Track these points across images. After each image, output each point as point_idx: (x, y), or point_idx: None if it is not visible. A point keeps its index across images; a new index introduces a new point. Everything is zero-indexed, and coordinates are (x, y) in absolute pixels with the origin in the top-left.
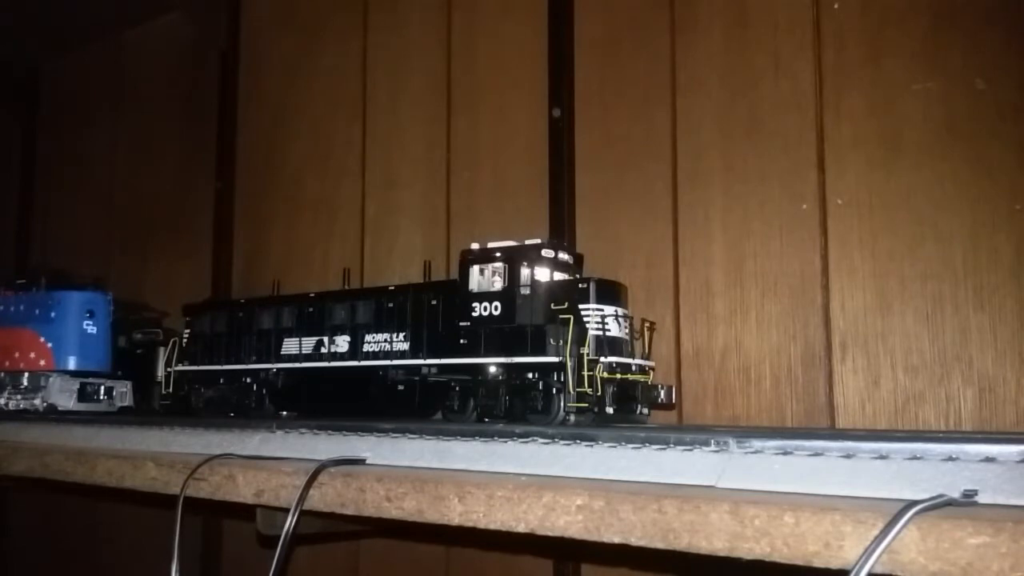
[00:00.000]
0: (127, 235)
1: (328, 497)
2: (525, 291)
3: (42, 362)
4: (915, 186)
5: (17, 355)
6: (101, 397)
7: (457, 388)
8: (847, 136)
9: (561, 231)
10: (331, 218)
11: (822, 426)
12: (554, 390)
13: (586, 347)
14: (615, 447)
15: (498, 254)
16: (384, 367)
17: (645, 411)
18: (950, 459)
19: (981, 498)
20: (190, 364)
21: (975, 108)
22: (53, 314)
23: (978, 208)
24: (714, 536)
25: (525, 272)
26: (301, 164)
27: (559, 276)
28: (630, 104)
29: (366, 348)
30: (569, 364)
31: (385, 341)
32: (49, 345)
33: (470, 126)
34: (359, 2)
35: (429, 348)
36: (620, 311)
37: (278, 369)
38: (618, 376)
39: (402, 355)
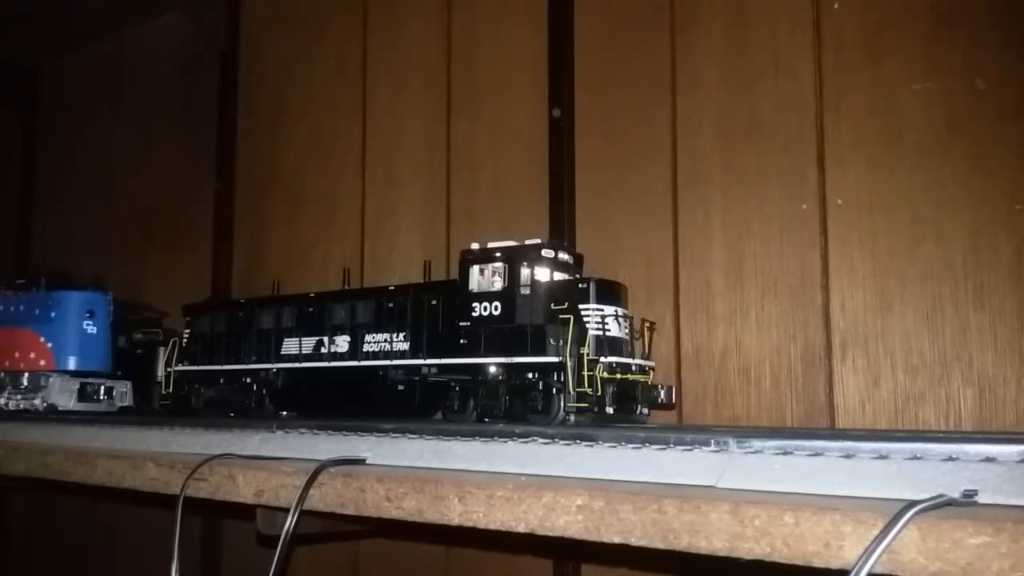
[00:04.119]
0: (127, 235)
1: (328, 497)
2: (525, 291)
3: (42, 362)
4: (915, 186)
5: (17, 355)
6: (101, 397)
7: (457, 388)
8: (847, 136)
9: (561, 231)
10: (331, 218)
11: (822, 426)
12: (554, 390)
13: (586, 347)
14: (615, 447)
15: (498, 254)
16: (384, 367)
17: (645, 411)
18: (950, 459)
19: (981, 498)
20: (190, 364)
21: (975, 108)
22: (53, 314)
23: (978, 208)
24: (714, 536)
25: (525, 272)
26: (301, 164)
27: (559, 276)
28: (630, 104)
29: (366, 348)
30: (569, 364)
31: (385, 341)
32: (49, 345)
33: (470, 126)
34: (359, 2)
35: (429, 348)
36: (620, 311)
37: (278, 369)
38: (618, 376)
39: (402, 355)
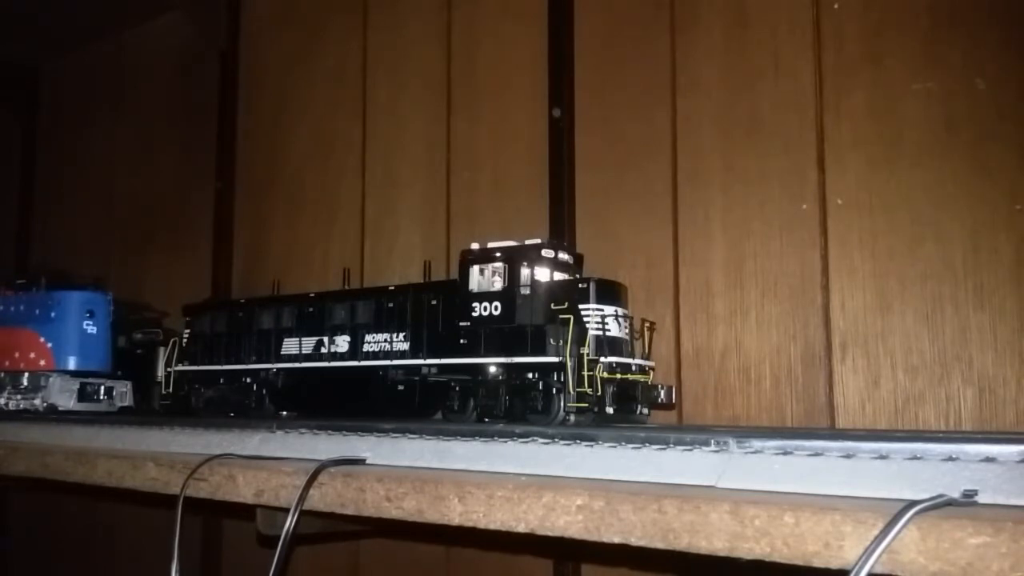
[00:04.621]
0: (127, 235)
1: (328, 497)
2: (525, 291)
3: (42, 362)
4: (915, 186)
5: (17, 355)
6: (101, 397)
7: (457, 388)
8: (847, 136)
9: (561, 231)
10: (331, 218)
11: (822, 426)
12: (554, 390)
13: (586, 347)
14: (615, 447)
15: (498, 254)
16: (384, 367)
17: (645, 411)
18: (950, 459)
19: (981, 498)
20: (190, 364)
21: (975, 108)
22: (53, 314)
23: (978, 208)
24: (714, 536)
25: (525, 272)
26: (301, 164)
27: (559, 276)
28: (630, 104)
29: (366, 348)
30: (569, 364)
31: (385, 341)
32: (49, 345)
33: (470, 126)
34: (359, 2)
35: (429, 348)
36: (620, 311)
37: (278, 369)
38: (618, 376)
39: (402, 355)
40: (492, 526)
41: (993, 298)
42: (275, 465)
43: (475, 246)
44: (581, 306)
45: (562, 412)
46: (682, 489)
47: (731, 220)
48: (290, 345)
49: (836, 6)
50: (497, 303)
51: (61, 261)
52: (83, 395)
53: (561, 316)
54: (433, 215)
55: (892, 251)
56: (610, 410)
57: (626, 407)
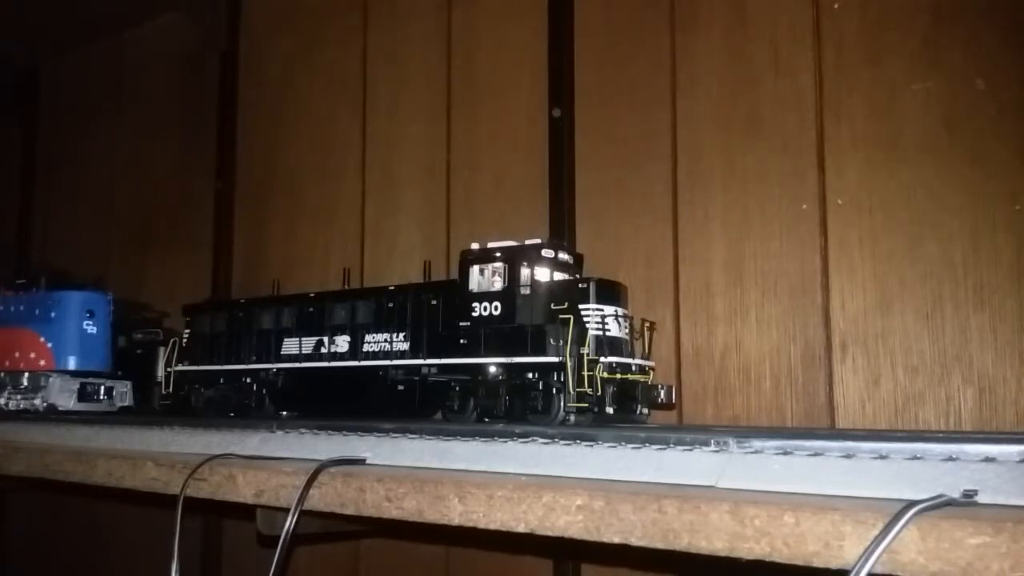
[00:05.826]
0: (127, 235)
1: (328, 497)
2: (525, 291)
3: (42, 362)
4: (915, 186)
5: (17, 355)
6: (101, 397)
7: (457, 388)
8: (847, 136)
9: (561, 231)
10: (331, 218)
11: (822, 426)
12: (554, 390)
13: (586, 347)
14: (615, 447)
15: (498, 254)
16: (384, 367)
17: (645, 411)
18: (950, 459)
19: (981, 498)
20: (190, 364)
21: (975, 108)
22: (53, 314)
23: (978, 208)
24: (714, 536)
25: (525, 272)
26: (301, 164)
27: (559, 276)
28: (630, 104)
29: (366, 348)
30: (569, 364)
31: (385, 341)
32: (49, 345)
33: (470, 126)
34: (359, 2)
35: (429, 348)
36: (620, 311)
37: (278, 369)
38: (618, 376)
39: (402, 355)
40: (492, 526)
41: (993, 298)
42: (275, 465)
43: (475, 246)
44: (581, 306)
45: (562, 412)
46: (682, 489)
47: (731, 220)
48: (290, 345)
49: (836, 6)
50: (497, 303)
51: (61, 261)
52: (83, 395)
53: (561, 316)
54: (433, 215)
55: (892, 251)
56: (610, 410)
57: (626, 407)
